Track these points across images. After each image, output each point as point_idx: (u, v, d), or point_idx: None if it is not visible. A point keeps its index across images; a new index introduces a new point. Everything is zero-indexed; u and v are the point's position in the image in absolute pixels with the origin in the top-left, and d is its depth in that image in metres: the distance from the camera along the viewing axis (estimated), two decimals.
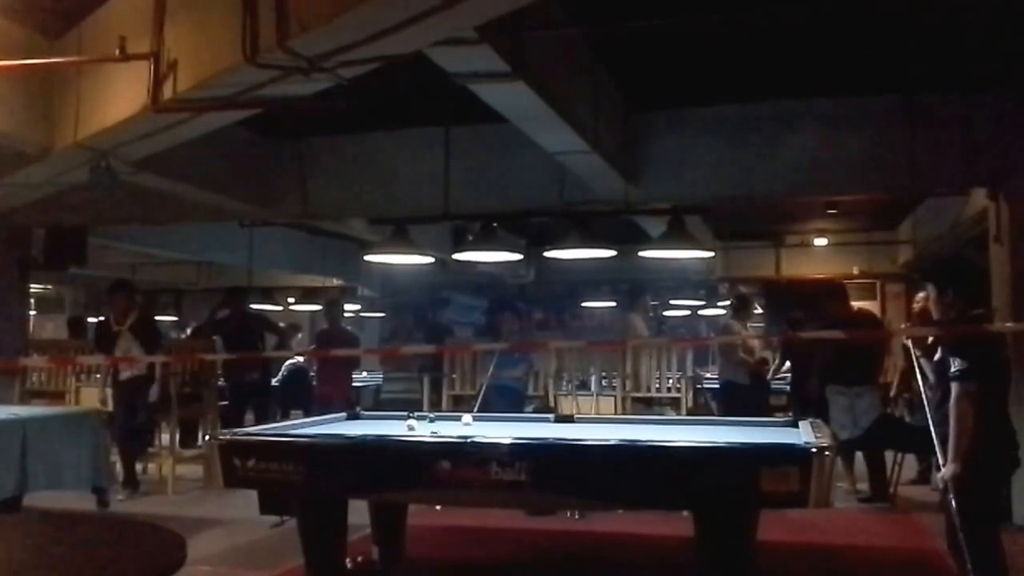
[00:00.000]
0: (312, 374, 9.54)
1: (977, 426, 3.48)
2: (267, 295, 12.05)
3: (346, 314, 11.00)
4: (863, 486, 6.76)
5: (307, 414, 7.76)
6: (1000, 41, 5.21)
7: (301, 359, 9.88)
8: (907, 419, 7.15)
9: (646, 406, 7.99)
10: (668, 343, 8.26)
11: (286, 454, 4.15)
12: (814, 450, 3.58)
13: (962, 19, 4.88)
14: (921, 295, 7.30)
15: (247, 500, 4.52)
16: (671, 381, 8.01)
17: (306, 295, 13.82)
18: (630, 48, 5.38)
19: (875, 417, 6.51)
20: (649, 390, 8.06)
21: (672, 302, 13.59)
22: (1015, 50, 5.30)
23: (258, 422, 7.62)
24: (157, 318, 14.76)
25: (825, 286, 7.49)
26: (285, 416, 8.77)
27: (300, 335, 11.61)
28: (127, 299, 7.34)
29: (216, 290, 11.08)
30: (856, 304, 7.57)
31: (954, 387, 3.47)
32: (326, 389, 8.68)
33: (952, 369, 3.49)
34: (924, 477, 6.80)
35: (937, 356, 3.72)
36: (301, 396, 9.48)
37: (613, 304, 13.64)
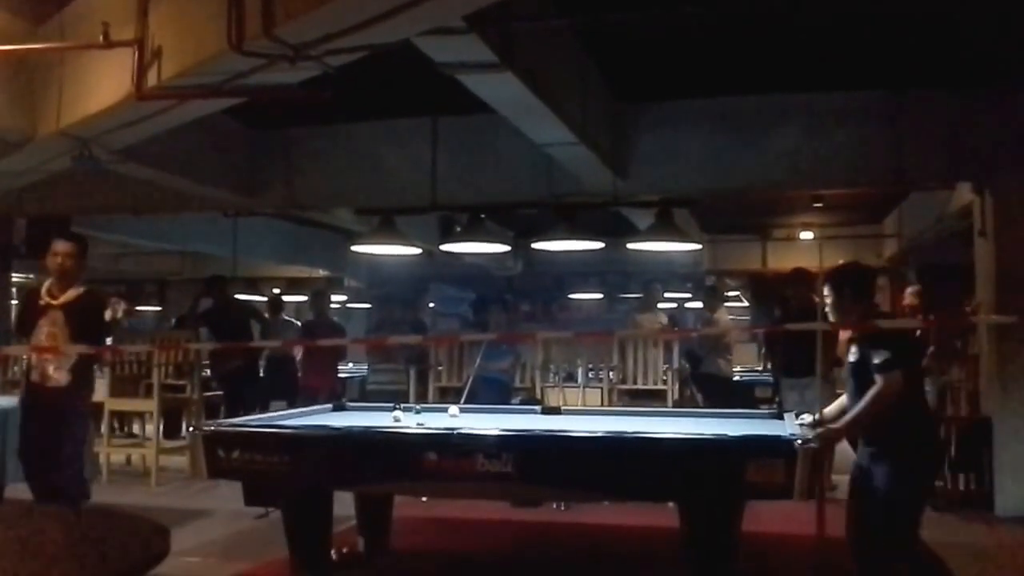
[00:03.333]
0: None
1: (905, 419, 3.51)
2: (252, 286, 11.98)
3: (332, 305, 10.95)
4: (836, 478, 6.81)
5: (291, 405, 7.70)
6: (987, 37, 5.24)
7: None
8: None
9: (632, 398, 8.02)
10: (656, 334, 8.26)
11: (271, 445, 4.13)
12: (799, 442, 3.59)
13: (949, 14, 4.90)
14: (910, 290, 7.32)
15: (232, 491, 4.51)
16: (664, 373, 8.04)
17: (292, 286, 13.76)
18: (618, 40, 5.37)
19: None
20: (636, 382, 8.08)
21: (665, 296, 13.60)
22: (1001, 45, 5.33)
23: (247, 412, 7.57)
24: (142, 308, 14.85)
25: (787, 275, 7.44)
26: (264, 407, 8.64)
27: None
28: (75, 256, 4.83)
29: (200, 281, 11.01)
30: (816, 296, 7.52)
31: (880, 379, 3.45)
32: (312, 380, 8.65)
33: (875, 361, 3.49)
34: None
35: (852, 357, 3.67)
36: (285, 386, 9.38)
37: (600, 296, 13.67)
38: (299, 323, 10.20)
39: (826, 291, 3.79)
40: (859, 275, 3.86)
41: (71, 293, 4.82)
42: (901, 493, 3.54)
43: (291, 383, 9.09)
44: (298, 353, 9.17)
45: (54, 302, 4.79)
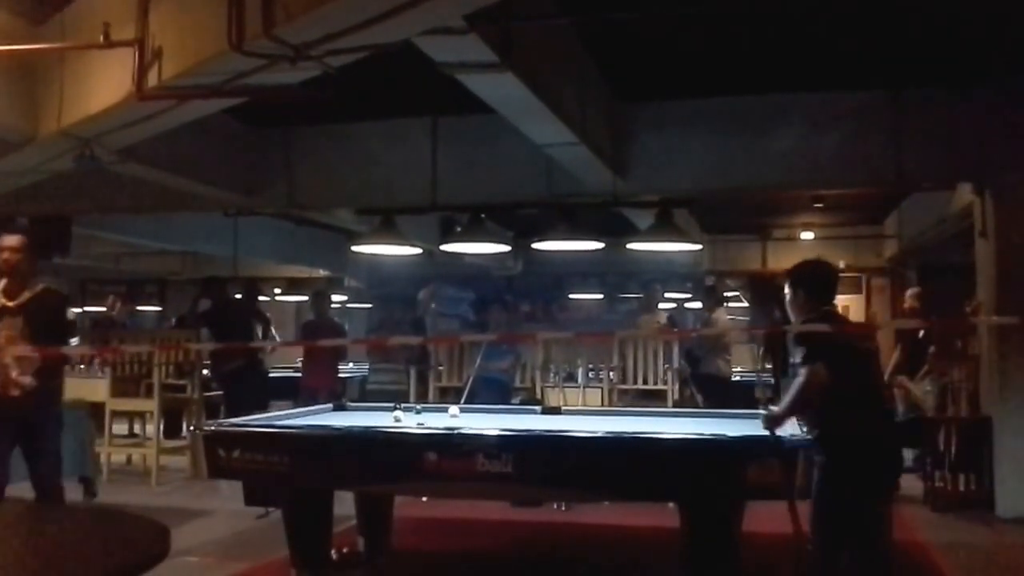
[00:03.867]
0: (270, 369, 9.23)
1: (832, 420, 3.44)
2: (252, 286, 11.98)
3: (333, 305, 10.95)
4: None
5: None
6: (986, 36, 5.24)
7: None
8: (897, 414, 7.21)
9: (632, 398, 8.02)
10: (656, 334, 8.27)
11: (272, 445, 4.13)
12: (799, 443, 3.60)
13: (949, 14, 4.90)
14: (910, 292, 7.34)
15: (232, 491, 4.51)
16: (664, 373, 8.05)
17: (292, 286, 13.76)
18: (618, 40, 5.37)
19: None
20: (636, 382, 8.10)
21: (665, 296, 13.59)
22: (1001, 45, 5.33)
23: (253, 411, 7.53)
24: (143, 308, 14.85)
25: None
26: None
27: None
28: (22, 251, 4.55)
29: (200, 281, 11.03)
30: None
31: (801, 372, 3.46)
32: (312, 380, 8.66)
33: (796, 360, 3.50)
34: (917, 466, 6.87)
35: (791, 361, 3.67)
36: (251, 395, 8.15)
37: (600, 296, 13.68)
38: (278, 338, 9.68)
39: (785, 288, 3.77)
40: (813, 274, 3.78)
41: (26, 294, 4.52)
42: (825, 492, 3.42)
43: (259, 392, 8.48)
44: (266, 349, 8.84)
45: (10, 304, 4.49)
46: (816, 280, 3.73)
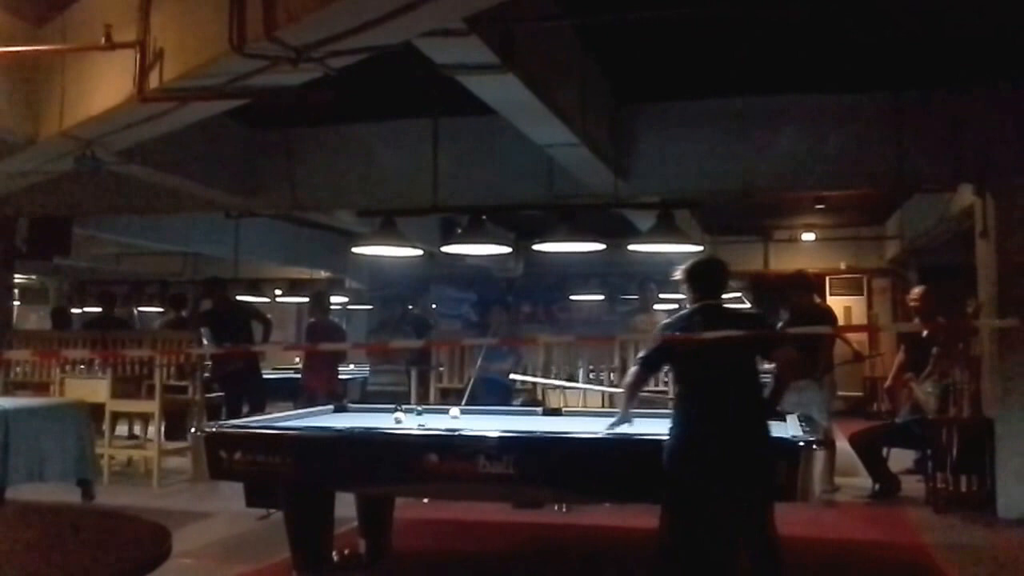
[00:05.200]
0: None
1: (678, 413, 3.68)
2: (253, 287, 12.00)
3: (333, 307, 10.95)
4: (839, 480, 6.83)
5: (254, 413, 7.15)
6: (986, 36, 5.24)
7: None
8: (897, 418, 7.22)
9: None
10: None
11: (273, 446, 4.14)
12: (802, 444, 3.60)
13: (950, 16, 4.90)
14: (916, 290, 7.34)
15: (233, 493, 4.51)
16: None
17: (293, 287, 13.77)
18: (619, 41, 5.37)
19: (825, 411, 6.53)
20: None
21: (660, 296, 13.58)
22: (1002, 46, 5.33)
23: (251, 413, 7.56)
24: (144, 309, 14.85)
25: (789, 278, 7.49)
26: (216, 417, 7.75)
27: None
28: None
29: (201, 282, 11.03)
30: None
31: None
32: (313, 382, 8.66)
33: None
34: (919, 467, 6.88)
35: None
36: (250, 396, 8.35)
37: (601, 297, 13.68)
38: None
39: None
40: (696, 271, 3.90)
41: None
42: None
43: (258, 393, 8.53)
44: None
45: None
46: (698, 276, 3.89)
